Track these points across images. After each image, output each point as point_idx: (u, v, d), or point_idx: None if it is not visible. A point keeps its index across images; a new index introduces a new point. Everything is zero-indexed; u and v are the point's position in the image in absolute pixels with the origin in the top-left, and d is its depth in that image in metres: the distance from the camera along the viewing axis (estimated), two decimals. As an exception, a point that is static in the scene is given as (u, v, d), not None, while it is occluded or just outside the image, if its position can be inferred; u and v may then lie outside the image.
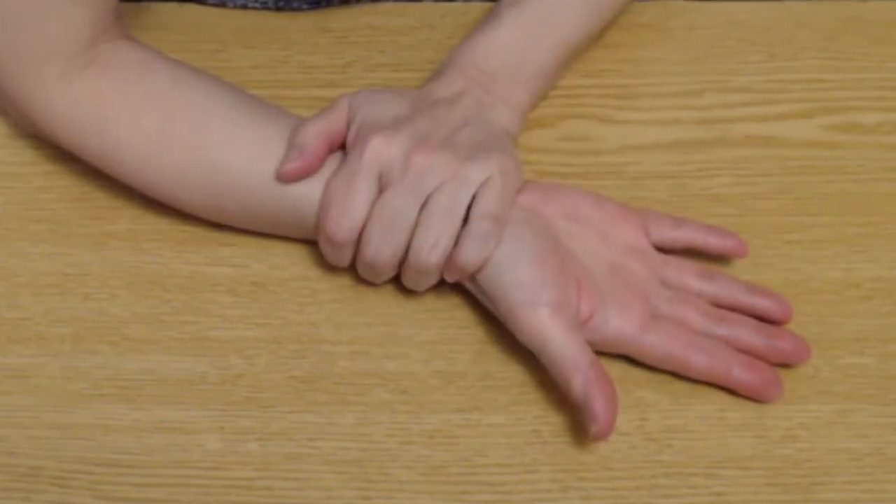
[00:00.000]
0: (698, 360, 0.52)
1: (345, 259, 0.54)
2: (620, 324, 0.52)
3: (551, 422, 0.53)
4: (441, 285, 0.57)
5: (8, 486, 0.51)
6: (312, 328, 0.56)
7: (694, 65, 0.66)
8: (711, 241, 0.56)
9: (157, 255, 0.58)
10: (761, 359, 0.53)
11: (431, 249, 0.52)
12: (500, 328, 0.56)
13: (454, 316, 0.56)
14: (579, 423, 0.53)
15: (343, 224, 0.52)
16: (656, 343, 0.52)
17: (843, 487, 0.51)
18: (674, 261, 0.56)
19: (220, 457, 0.52)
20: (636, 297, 0.53)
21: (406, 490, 0.51)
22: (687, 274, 0.55)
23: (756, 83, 0.65)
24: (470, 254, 0.52)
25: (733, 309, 0.54)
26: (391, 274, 0.55)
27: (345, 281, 0.57)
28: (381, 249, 0.52)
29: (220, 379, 0.54)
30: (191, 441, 0.52)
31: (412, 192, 0.52)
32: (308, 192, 0.54)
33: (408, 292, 0.57)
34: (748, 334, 0.53)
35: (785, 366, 0.54)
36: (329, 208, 0.53)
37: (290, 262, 0.58)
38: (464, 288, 0.57)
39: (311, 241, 0.58)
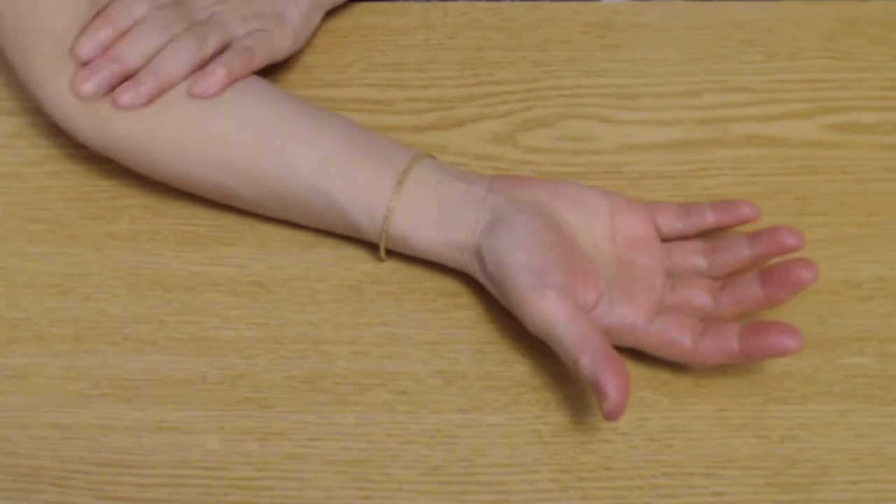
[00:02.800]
0: (707, 343, 0.51)
1: (122, 17, 0.56)
2: (626, 312, 0.52)
3: (551, 422, 0.53)
4: (441, 284, 0.57)
5: (8, 486, 0.51)
6: (312, 328, 0.56)
7: (694, 65, 0.66)
8: (723, 220, 0.56)
9: (157, 255, 0.58)
10: (779, 298, 0.52)
11: (201, 41, 0.56)
12: (500, 328, 0.56)
13: (454, 316, 0.56)
14: (579, 423, 0.53)
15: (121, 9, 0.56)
16: (661, 330, 0.52)
17: (843, 487, 0.51)
18: (677, 247, 0.56)
19: (220, 457, 0.52)
20: (643, 288, 0.53)
21: (406, 490, 0.51)
22: (692, 255, 0.55)
23: (756, 83, 0.65)
24: (229, 59, 0.56)
25: (746, 265, 0.54)
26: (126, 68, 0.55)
27: (345, 281, 0.57)
28: (144, 39, 0.56)
29: (220, 379, 0.54)
30: (191, 441, 0.52)
31: (190, 10, 0.58)
32: (321, 186, 0.55)
33: (408, 292, 0.57)
34: (751, 288, 0.52)
35: (804, 280, 0.51)
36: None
37: (290, 262, 0.58)
38: (464, 288, 0.57)
39: (309, 241, 0.58)
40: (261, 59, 0.58)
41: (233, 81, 0.56)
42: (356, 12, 0.68)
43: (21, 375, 0.54)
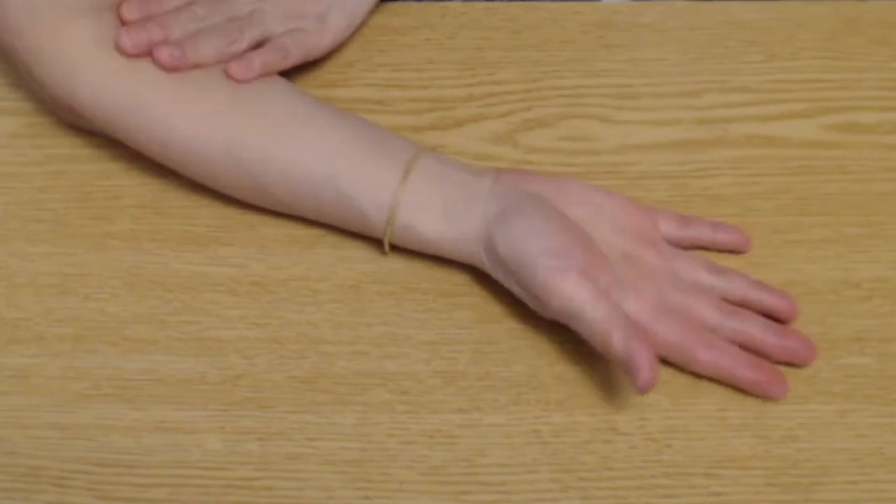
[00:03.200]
0: (705, 354, 0.53)
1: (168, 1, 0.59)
2: (634, 308, 0.53)
3: (551, 422, 0.53)
4: (441, 284, 0.57)
5: (8, 486, 0.51)
6: (312, 328, 0.56)
7: (694, 65, 0.66)
8: (718, 238, 0.57)
9: (157, 255, 0.58)
10: (769, 356, 0.54)
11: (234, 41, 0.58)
12: (500, 328, 0.56)
13: (454, 316, 0.56)
14: (579, 423, 0.53)
15: None
16: (667, 332, 0.53)
17: (843, 487, 0.51)
18: (684, 255, 0.56)
19: (220, 457, 0.52)
20: (649, 284, 0.53)
21: (406, 490, 0.51)
22: (697, 268, 0.55)
23: (756, 83, 0.65)
24: (265, 53, 0.59)
25: (742, 305, 0.55)
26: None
27: (345, 281, 0.57)
28: (187, 20, 0.58)
29: (220, 379, 0.54)
30: (191, 441, 0.52)
31: (230, 9, 0.60)
32: (330, 176, 0.55)
33: (408, 292, 0.57)
34: (758, 331, 0.54)
35: (791, 365, 0.54)
36: None
37: (290, 262, 0.58)
38: (464, 288, 0.57)
39: (308, 241, 0.58)
40: (295, 59, 0.60)
41: (265, 73, 0.58)
42: (356, 12, 0.67)
43: (21, 375, 0.54)
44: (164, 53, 0.57)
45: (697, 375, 0.54)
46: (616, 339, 0.50)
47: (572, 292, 0.51)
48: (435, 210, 0.55)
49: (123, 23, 0.57)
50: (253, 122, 0.56)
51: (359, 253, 0.58)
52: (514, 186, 0.55)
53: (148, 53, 0.57)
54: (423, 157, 0.56)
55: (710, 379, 0.54)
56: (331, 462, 0.52)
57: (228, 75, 0.57)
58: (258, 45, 0.60)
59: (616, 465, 0.52)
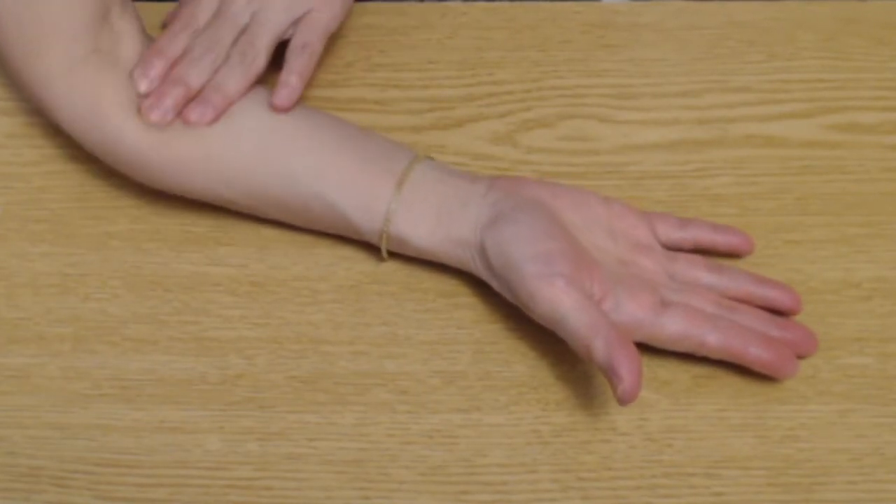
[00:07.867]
0: (714, 337, 0.52)
1: (172, 47, 0.57)
2: (633, 308, 0.52)
3: (551, 422, 0.53)
4: (441, 284, 0.57)
5: (8, 486, 0.51)
6: (312, 328, 0.56)
7: (694, 65, 0.66)
8: (718, 239, 0.57)
9: (157, 255, 0.58)
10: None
11: (254, 57, 0.57)
12: (500, 328, 0.56)
13: (454, 316, 0.56)
14: (579, 423, 0.53)
15: (185, 12, 0.59)
16: (671, 323, 0.52)
17: (843, 487, 0.51)
18: (682, 256, 0.56)
19: (220, 457, 0.52)
20: (646, 288, 0.53)
21: (406, 490, 0.51)
22: (696, 268, 0.55)
23: (756, 83, 0.65)
24: (295, 63, 0.57)
25: (745, 301, 0.55)
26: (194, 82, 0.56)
27: (345, 281, 0.57)
28: (200, 60, 0.57)
29: (220, 379, 0.54)
30: (191, 441, 0.52)
31: (232, 22, 0.58)
32: (319, 191, 0.55)
33: (408, 292, 0.57)
34: (759, 324, 0.54)
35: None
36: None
37: (290, 262, 0.58)
38: (464, 288, 0.57)
39: (308, 241, 0.58)
40: (321, 47, 0.59)
41: (306, 82, 0.57)
42: (356, 12, 0.67)
43: (21, 375, 0.54)
44: (193, 115, 0.55)
45: (697, 375, 0.54)
46: (597, 347, 0.50)
47: (555, 299, 0.51)
48: (429, 219, 0.55)
49: (143, 96, 0.56)
50: (236, 144, 0.55)
51: (358, 253, 0.58)
52: (509, 193, 0.55)
53: (179, 115, 0.56)
54: (417, 166, 0.56)
55: (710, 379, 0.54)
56: (330, 462, 0.52)
57: (276, 109, 0.56)
58: (280, 46, 0.58)
59: (616, 465, 0.52)
